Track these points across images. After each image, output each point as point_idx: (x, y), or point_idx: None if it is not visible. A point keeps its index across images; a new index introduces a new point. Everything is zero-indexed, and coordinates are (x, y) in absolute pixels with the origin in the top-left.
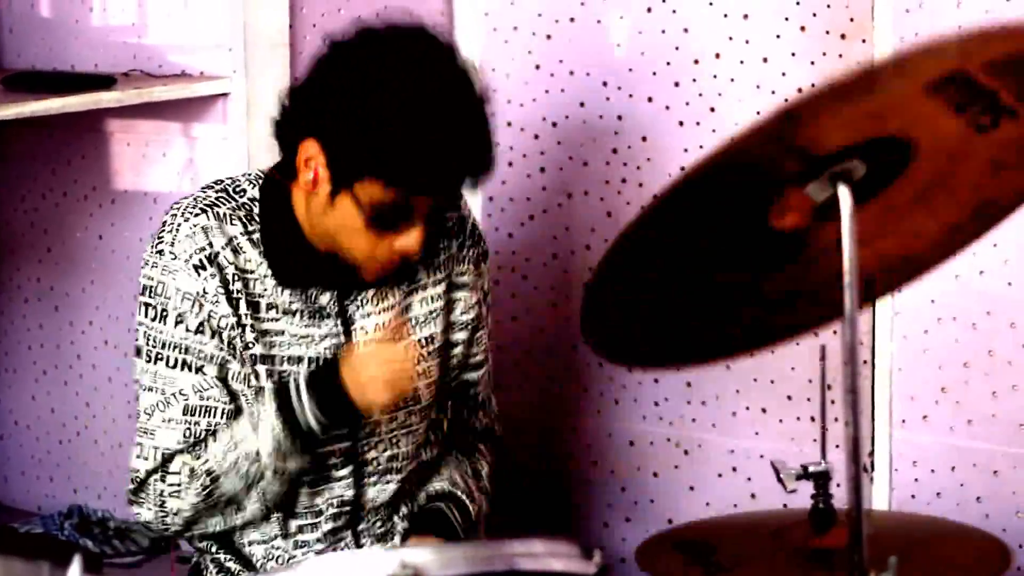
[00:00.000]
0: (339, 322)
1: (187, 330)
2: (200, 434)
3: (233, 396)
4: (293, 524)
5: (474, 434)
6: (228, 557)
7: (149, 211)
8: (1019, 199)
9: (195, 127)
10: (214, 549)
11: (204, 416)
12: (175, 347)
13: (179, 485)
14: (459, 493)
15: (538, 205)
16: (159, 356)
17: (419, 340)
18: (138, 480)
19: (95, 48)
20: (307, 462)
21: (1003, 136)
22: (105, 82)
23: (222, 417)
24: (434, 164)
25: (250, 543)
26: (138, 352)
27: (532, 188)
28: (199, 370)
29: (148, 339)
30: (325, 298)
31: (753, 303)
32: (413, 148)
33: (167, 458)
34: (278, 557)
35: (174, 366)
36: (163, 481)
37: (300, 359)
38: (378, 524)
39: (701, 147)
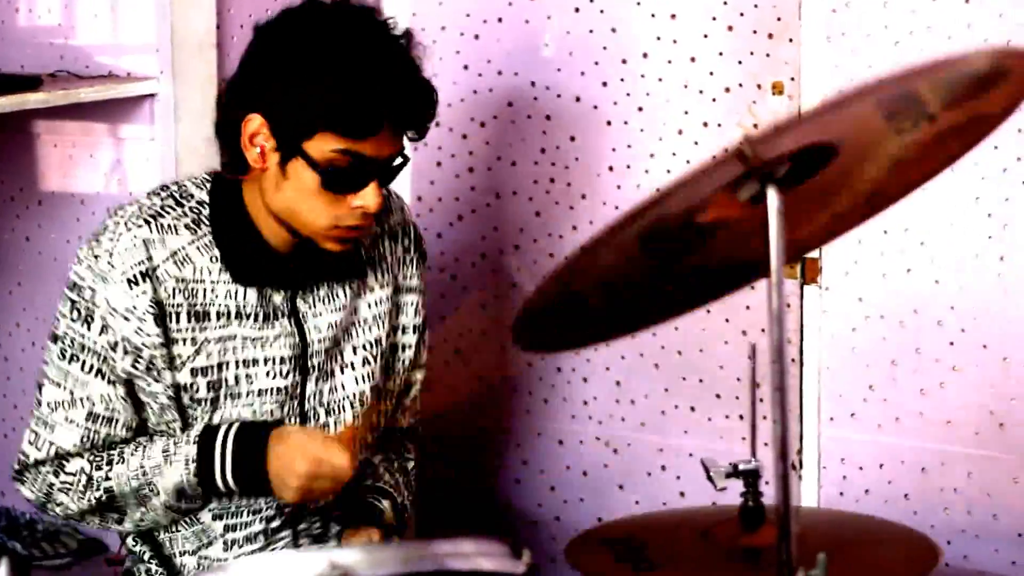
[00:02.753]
0: (292, 322)
1: (108, 342)
2: (98, 441)
3: (138, 410)
4: (220, 525)
5: (401, 432)
6: (160, 570)
7: (76, 212)
8: (906, 191)
9: (122, 128)
10: (147, 557)
11: (104, 426)
12: (94, 354)
13: (71, 487)
14: (388, 488)
15: (467, 205)
16: (75, 357)
17: (365, 343)
18: (24, 464)
19: (21, 49)
20: (200, 507)
21: (915, 138)
22: (31, 83)
23: (123, 430)
24: (372, 102)
25: (182, 553)
26: (54, 340)
27: (461, 188)
28: (112, 382)
29: (67, 338)
30: (279, 298)
31: (667, 279)
32: (350, 91)
33: (61, 455)
34: (209, 567)
35: (89, 371)
36: (55, 476)
37: (255, 361)
38: (316, 525)
39: (629, 146)
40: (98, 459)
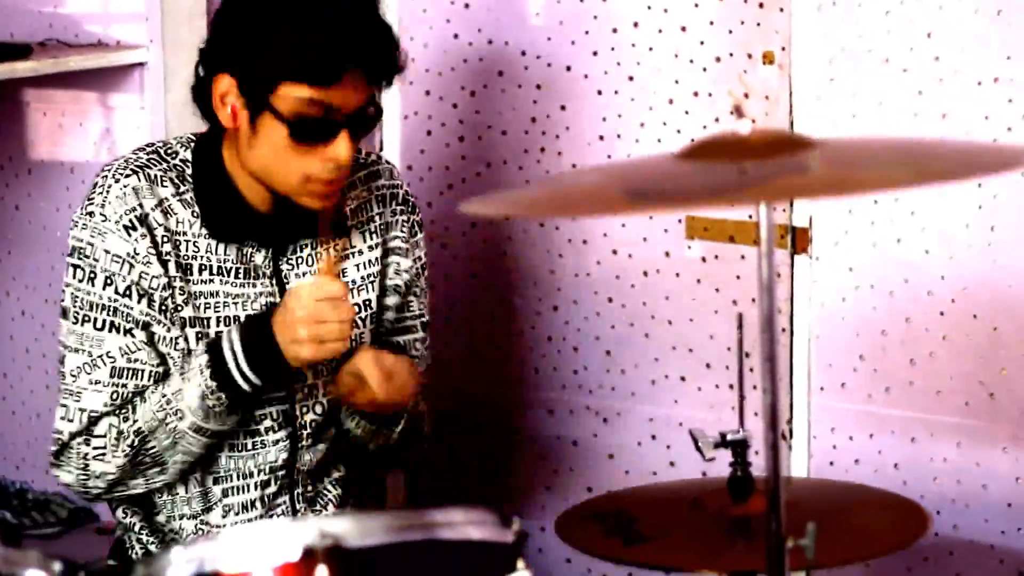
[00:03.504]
0: (273, 282)
1: (116, 292)
2: (127, 396)
3: (161, 359)
4: (218, 489)
5: None
6: (152, 540)
7: (66, 181)
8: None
9: (112, 97)
10: (137, 528)
11: (131, 378)
12: (103, 308)
13: (104, 448)
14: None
15: (457, 174)
16: (86, 318)
17: (355, 305)
18: (61, 443)
19: (10, 17)
20: (234, 424)
21: None
22: (21, 51)
23: (149, 380)
24: (332, 47)
25: (180, 517)
26: (64, 313)
27: (451, 157)
28: (127, 332)
29: (75, 300)
30: (260, 257)
31: None
32: (310, 38)
33: (92, 421)
34: (207, 532)
35: (102, 328)
36: (87, 444)
37: (236, 319)
38: (309, 488)
39: (619, 116)
40: (124, 411)
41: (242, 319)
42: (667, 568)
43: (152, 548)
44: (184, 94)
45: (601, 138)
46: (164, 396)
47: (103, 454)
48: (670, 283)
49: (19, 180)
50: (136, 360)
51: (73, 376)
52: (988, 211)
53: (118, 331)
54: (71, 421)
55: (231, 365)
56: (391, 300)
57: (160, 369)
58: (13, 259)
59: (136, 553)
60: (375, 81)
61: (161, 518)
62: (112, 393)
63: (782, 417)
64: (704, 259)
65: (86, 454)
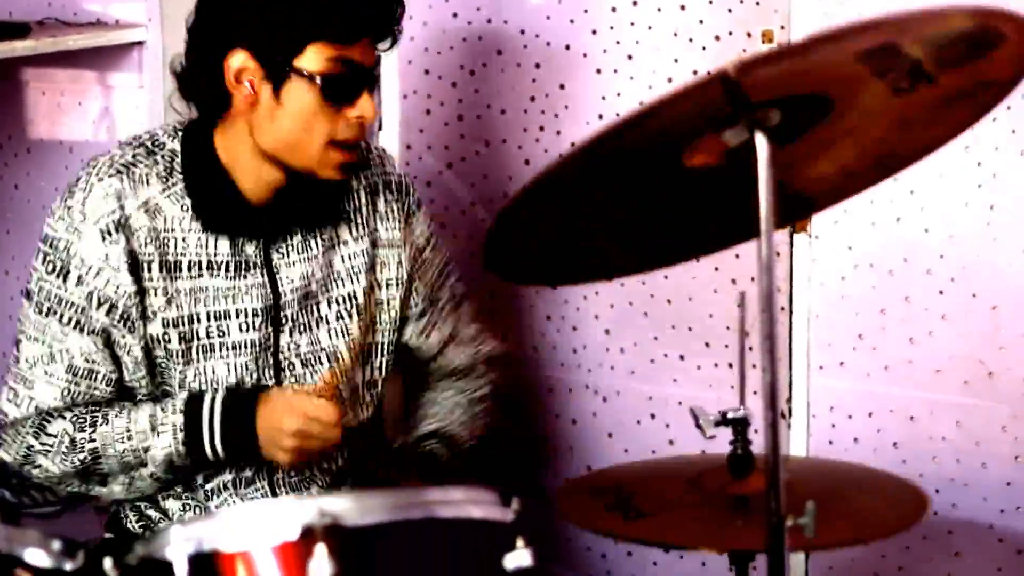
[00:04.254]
0: (264, 272)
1: (84, 294)
2: (79, 397)
3: (117, 366)
4: (200, 475)
5: (460, 369)
6: (148, 505)
7: (65, 160)
8: (918, 154)
9: (111, 76)
10: (134, 498)
11: (85, 379)
12: (72, 306)
13: (52, 449)
14: (448, 429)
15: (456, 153)
16: (52, 310)
17: (340, 297)
18: (1, 423)
19: None
20: (186, 476)
21: (917, 98)
22: (19, 30)
23: (103, 383)
24: (355, 5)
25: (165, 498)
26: (28, 296)
27: (450, 136)
28: (90, 333)
29: (43, 292)
30: (251, 248)
31: (658, 226)
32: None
33: (43, 415)
34: (195, 508)
35: (67, 323)
36: (36, 438)
37: (227, 313)
38: (292, 473)
39: (619, 95)
40: (81, 420)
41: (232, 314)
42: (666, 545)
43: (150, 513)
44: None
45: (600, 117)
46: (129, 433)
47: (49, 452)
48: None
49: (18, 159)
50: (93, 362)
51: (29, 364)
52: (987, 190)
53: (82, 331)
54: (18, 407)
55: (206, 441)
56: (392, 293)
57: (115, 377)
58: (12, 238)
59: (132, 524)
60: (383, 38)
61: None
62: (64, 390)
63: (781, 396)
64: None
65: (31, 446)
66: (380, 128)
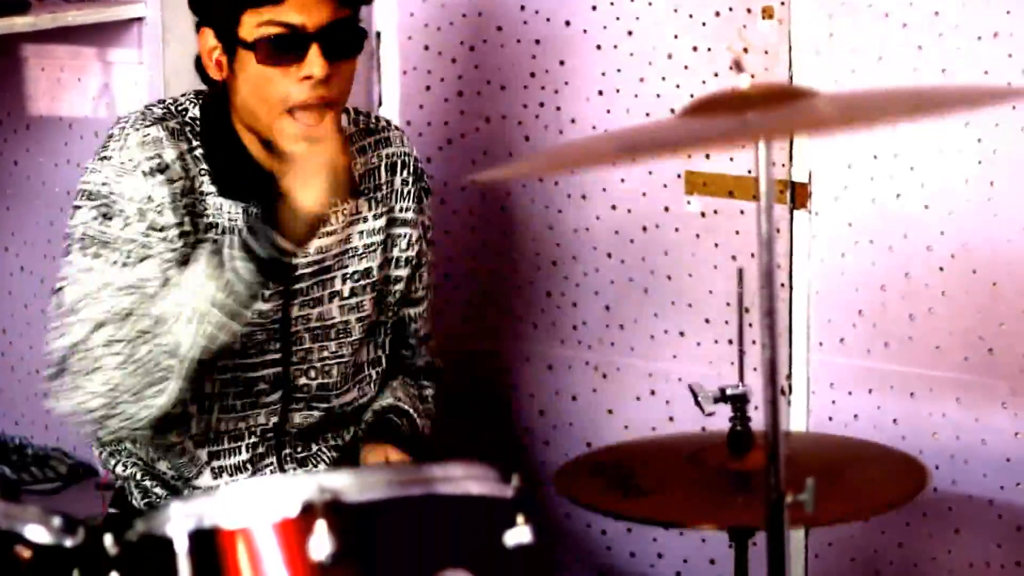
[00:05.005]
0: None
1: (138, 232)
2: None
3: None
4: (204, 452)
5: (416, 371)
6: (154, 483)
7: (64, 136)
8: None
9: (110, 52)
10: (139, 476)
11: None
12: (115, 249)
13: (99, 358)
14: (406, 407)
15: (456, 130)
16: (97, 255)
17: (355, 272)
18: (60, 358)
19: None
20: (231, 334)
21: None
22: (19, 6)
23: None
24: None
25: (172, 479)
26: (67, 251)
27: (450, 112)
28: (140, 260)
29: (87, 238)
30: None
31: None
32: None
33: (92, 329)
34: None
35: (114, 264)
36: (82, 359)
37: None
38: (299, 449)
39: (619, 71)
40: (121, 322)
41: None
42: (666, 523)
43: (157, 491)
44: (182, 49)
45: (600, 93)
46: (166, 287)
47: (97, 365)
48: (669, 238)
49: (17, 136)
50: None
51: (74, 305)
52: (987, 166)
53: (128, 268)
54: (69, 335)
55: (225, 251)
56: (402, 272)
57: None
58: (12, 215)
59: (137, 501)
60: None
61: (157, 471)
62: (111, 305)
63: (781, 372)
64: (703, 214)
65: (78, 370)
66: (380, 104)
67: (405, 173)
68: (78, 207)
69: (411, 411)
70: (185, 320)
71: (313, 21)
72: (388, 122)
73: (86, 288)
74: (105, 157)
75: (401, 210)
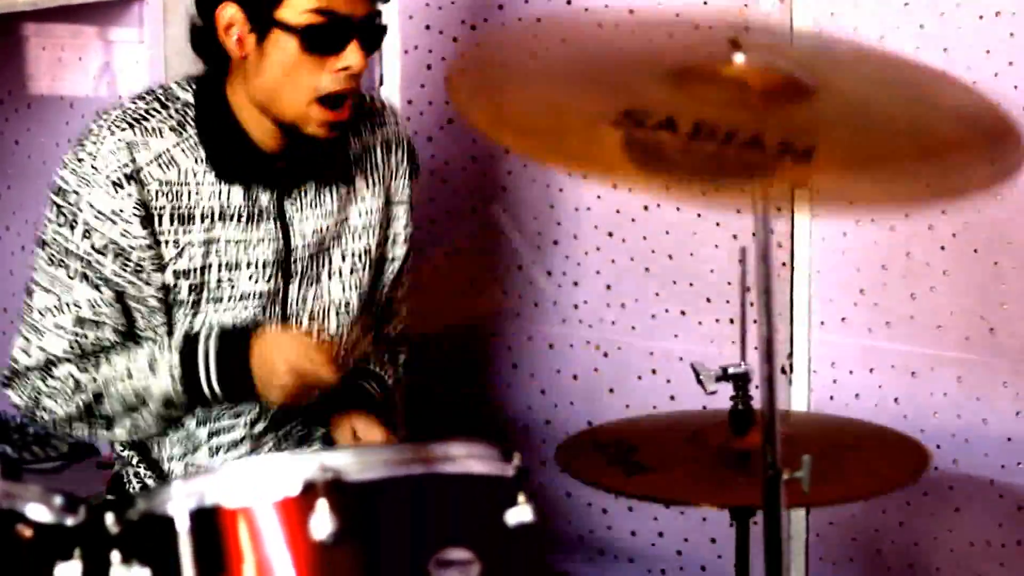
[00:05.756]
0: (278, 225)
1: (92, 247)
2: (87, 347)
3: (127, 317)
4: (204, 431)
5: (389, 340)
6: (148, 474)
7: (66, 115)
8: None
9: (112, 31)
10: (135, 462)
11: (93, 330)
12: (78, 259)
13: (57, 391)
14: (375, 370)
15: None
16: (61, 262)
17: (354, 252)
18: (14, 370)
19: None
20: (188, 414)
21: None
22: None
23: (112, 334)
24: None
25: (169, 459)
26: (42, 246)
27: None
28: (96, 287)
29: (54, 242)
30: (265, 198)
31: None
32: None
33: (50, 362)
34: (195, 472)
35: (74, 276)
36: (43, 382)
37: (238, 264)
38: (299, 428)
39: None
40: (85, 363)
41: (244, 264)
42: (667, 501)
43: (149, 482)
44: (183, 28)
45: None
46: (129, 371)
47: (55, 395)
48: (670, 217)
49: (19, 115)
50: (101, 314)
51: (40, 314)
52: None
53: (89, 283)
54: (29, 356)
55: (202, 379)
56: (400, 251)
57: (122, 327)
58: (12, 194)
59: (133, 487)
60: None
61: (153, 456)
62: (72, 342)
63: (782, 352)
64: (704, 193)
65: (39, 389)
66: (381, 83)
67: (400, 153)
68: (52, 202)
69: (382, 374)
70: (147, 405)
71: (357, 13)
72: (383, 103)
73: (51, 300)
74: (80, 159)
75: (397, 190)
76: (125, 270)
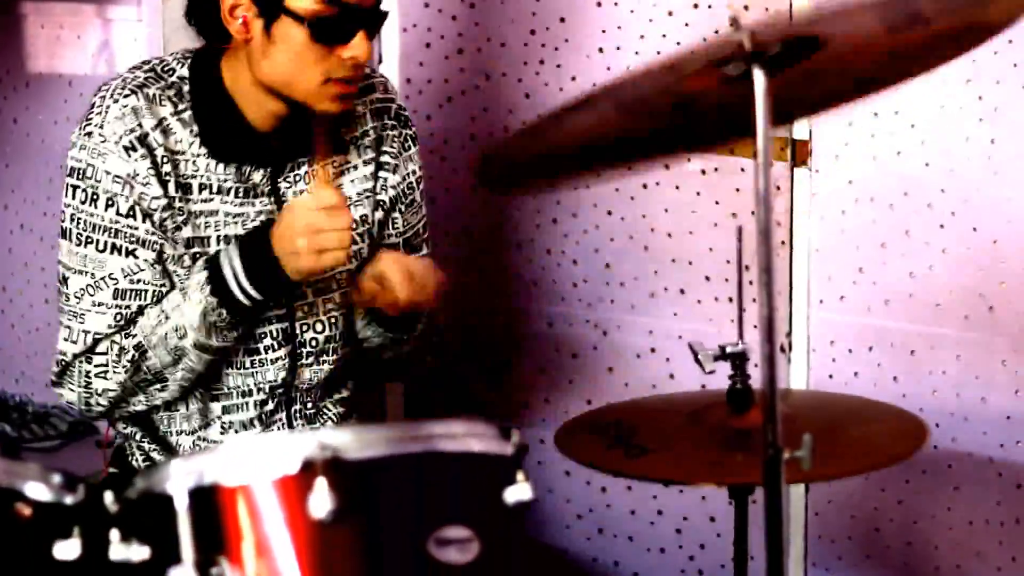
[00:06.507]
0: (272, 200)
1: (118, 213)
2: (131, 316)
3: (166, 278)
4: (218, 407)
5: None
6: (153, 447)
7: (64, 94)
8: (901, 78)
9: (110, 9)
10: (139, 436)
11: (135, 299)
12: (105, 230)
13: (105, 365)
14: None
15: (456, 87)
16: (88, 239)
17: (352, 221)
18: (64, 363)
19: None
20: (234, 340)
21: (910, 37)
22: None
23: (153, 299)
24: None
25: (177, 433)
26: (65, 234)
27: (450, 70)
28: (130, 253)
29: (77, 222)
30: (258, 175)
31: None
32: None
33: (96, 341)
34: (205, 448)
35: (104, 249)
36: (89, 363)
37: (235, 238)
38: (309, 405)
39: (619, 28)
40: (124, 328)
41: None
42: (666, 481)
43: (154, 455)
44: (182, 6)
45: (600, 50)
46: (163, 312)
47: (104, 371)
48: (670, 196)
49: (17, 93)
50: (139, 281)
51: (77, 298)
52: (988, 124)
53: (120, 252)
54: (75, 343)
55: (231, 281)
56: (395, 214)
57: (164, 289)
58: (11, 172)
59: (137, 461)
60: None
61: (160, 432)
62: (116, 315)
63: (781, 330)
64: (704, 172)
65: (87, 372)
66: (380, 61)
67: (387, 118)
68: (68, 185)
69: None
70: (188, 337)
71: (364, 2)
72: (372, 70)
73: (85, 280)
74: (88, 133)
75: (387, 155)
76: (154, 231)
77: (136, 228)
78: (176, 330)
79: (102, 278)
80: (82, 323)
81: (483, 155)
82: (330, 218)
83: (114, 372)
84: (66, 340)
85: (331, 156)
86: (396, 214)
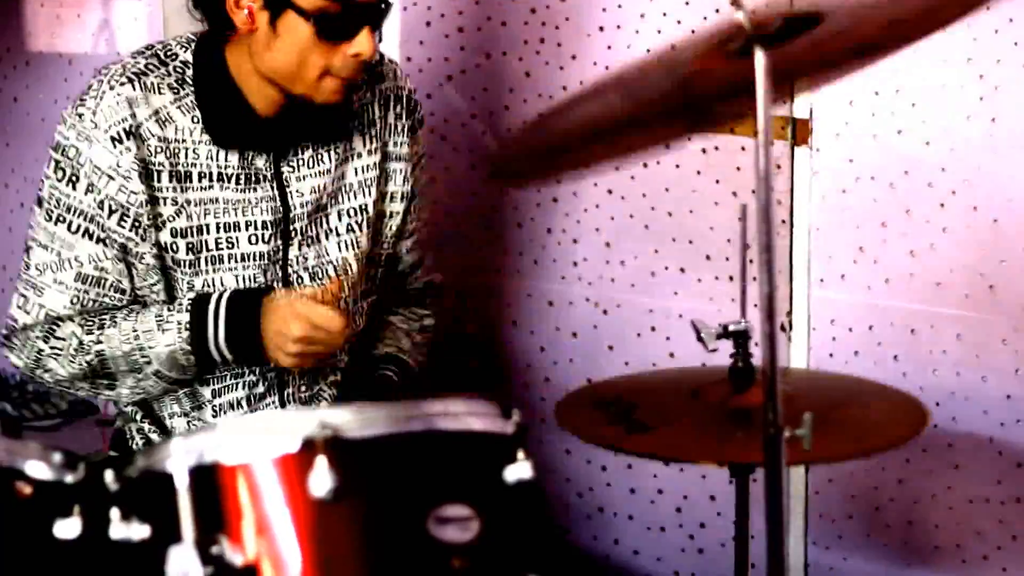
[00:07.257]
0: (274, 185)
1: (95, 201)
2: (88, 304)
3: (130, 276)
4: (207, 390)
5: (415, 295)
6: (152, 429)
7: (64, 72)
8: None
9: None
10: (139, 418)
11: (95, 287)
12: (81, 214)
13: (62, 351)
14: (401, 355)
15: (456, 65)
16: (61, 218)
17: (351, 209)
18: (12, 328)
19: None
20: (193, 376)
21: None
22: None
23: (113, 291)
24: None
25: (171, 415)
26: (39, 203)
27: (450, 48)
28: (100, 240)
29: (53, 199)
30: (261, 161)
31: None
32: None
33: (52, 320)
34: (199, 428)
35: (76, 231)
36: (45, 342)
37: (236, 225)
38: (303, 388)
39: (619, 7)
40: (89, 323)
41: (242, 226)
42: (667, 459)
43: (153, 437)
44: None
45: (601, 29)
46: (135, 332)
47: (58, 356)
48: (670, 174)
49: (17, 72)
50: (103, 270)
51: (38, 271)
52: (989, 103)
53: (91, 238)
54: (27, 313)
55: (211, 339)
56: (397, 207)
57: (125, 285)
58: (11, 151)
59: (136, 443)
60: None
61: (156, 412)
62: (73, 297)
63: (782, 309)
64: (704, 150)
65: (41, 350)
66: (380, 40)
67: (398, 108)
68: (52, 159)
69: (407, 359)
70: (148, 369)
71: (370, 1)
72: (382, 55)
73: (50, 256)
74: (80, 114)
75: (395, 145)
76: (123, 227)
77: (105, 221)
78: (142, 352)
79: (67, 259)
80: (39, 296)
81: (495, 155)
82: (328, 337)
83: (68, 363)
84: (20, 308)
85: (342, 273)
86: (416, 201)
